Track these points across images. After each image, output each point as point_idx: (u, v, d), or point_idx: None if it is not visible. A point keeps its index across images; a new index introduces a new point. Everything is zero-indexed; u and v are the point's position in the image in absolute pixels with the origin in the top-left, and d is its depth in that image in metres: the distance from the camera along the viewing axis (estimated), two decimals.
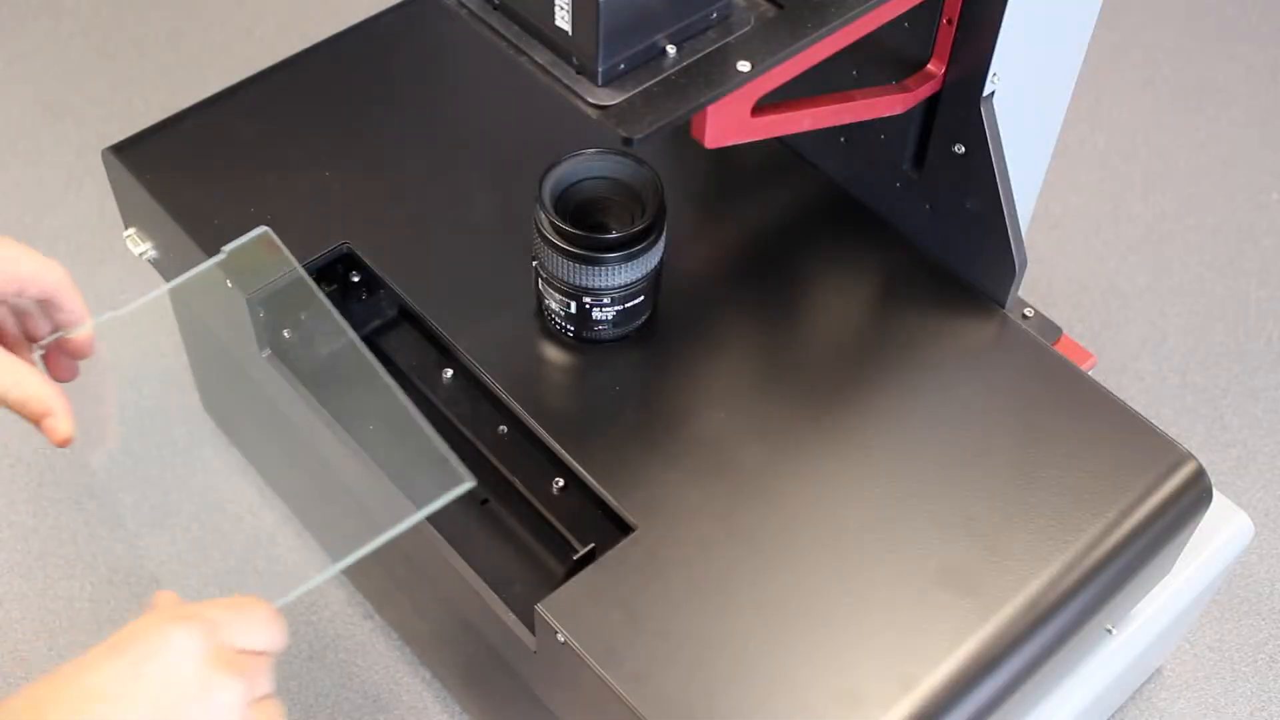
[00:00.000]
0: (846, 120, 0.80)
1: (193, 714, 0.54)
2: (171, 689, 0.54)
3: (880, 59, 0.83)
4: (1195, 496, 0.80)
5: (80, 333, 0.70)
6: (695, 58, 0.66)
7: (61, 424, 0.65)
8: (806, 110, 0.78)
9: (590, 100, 0.64)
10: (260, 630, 0.58)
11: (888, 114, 0.81)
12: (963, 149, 0.82)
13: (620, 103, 0.64)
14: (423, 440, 0.68)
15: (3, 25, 1.47)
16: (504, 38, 0.66)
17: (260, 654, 0.58)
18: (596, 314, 0.81)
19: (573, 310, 0.81)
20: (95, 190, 1.30)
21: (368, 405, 0.82)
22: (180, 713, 0.54)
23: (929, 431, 0.80)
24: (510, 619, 0.75)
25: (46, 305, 0.68)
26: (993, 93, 0.79)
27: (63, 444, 0.65)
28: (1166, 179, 1.38)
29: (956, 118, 0.81)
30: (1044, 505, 0.76)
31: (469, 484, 0.63)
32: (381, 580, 0.99)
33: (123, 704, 0.53)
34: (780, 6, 0.69)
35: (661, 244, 0.80)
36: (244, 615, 0.58)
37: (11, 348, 0.66)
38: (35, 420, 0.65)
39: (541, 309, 0.83)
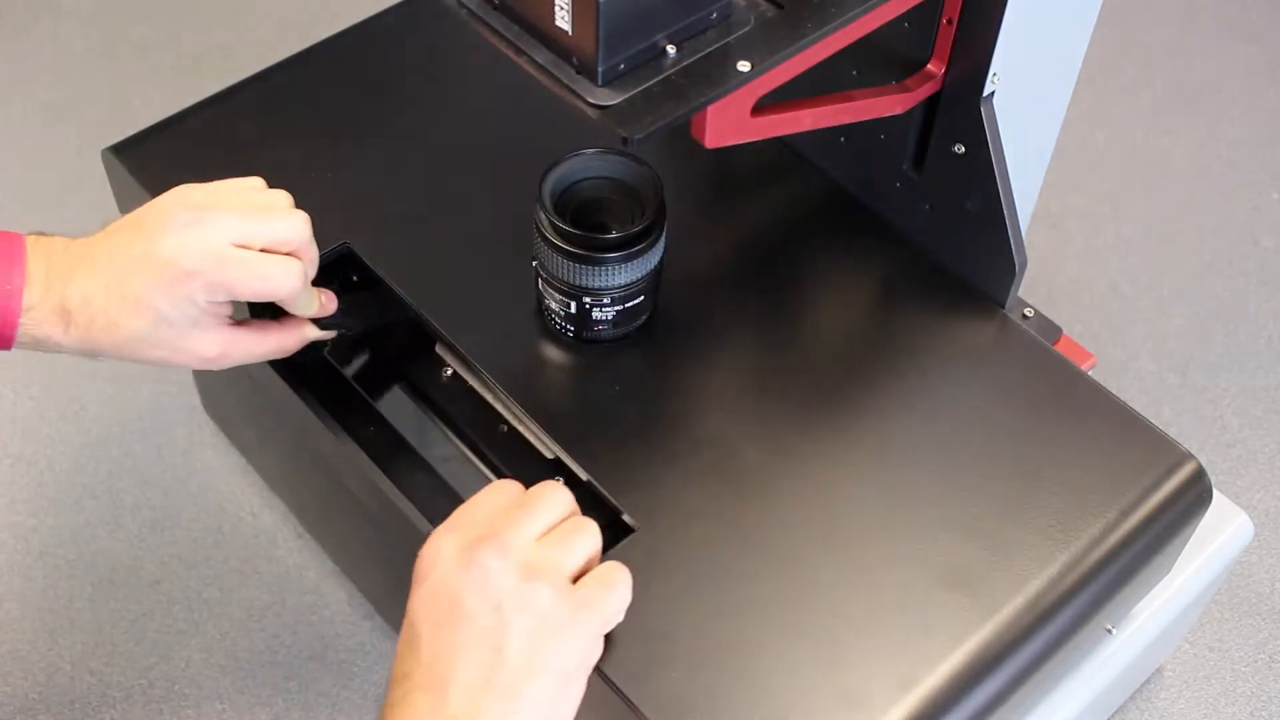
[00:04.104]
0: (846, 120, 0.80)
1: (463, 588, 0.61)
2: (448, 582, 0.62)
3: (880, 59, 0.83)
4: (1195, 496, 0.80)
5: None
6: (695, 58, 0.66)
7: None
8: (806, 110, 0.78)
9: (590, 100, 0.64)
10: (501, 496, 0.67)
11: (888, 114, 0.81)
12: (963, 149, 0.82)
13: (620, 103, 0.64)
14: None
15: (3, 25, 1.47)
16: (504, 38, 0.66)
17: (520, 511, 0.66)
18: (596, 314, 0.81)
19: (573, 310, 0.81)
20: (95, 190, 1.29)
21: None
22: (455, 594, 0.62)
23: (929, 431, 0.80)
24: None
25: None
26: (993, 93, 0.79)
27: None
28: (1166, 179, 1.38)
29: (956, 118, 0.81)
30: (1044, 505, 0.76)
31: None
32: (383, 581, 0.99)
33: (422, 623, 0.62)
34: (780, 6, 0.68)
35: (661, 244, 0.80)
36: (490, 494, 0.66)
37: None
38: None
39: (541, 309, 0.83)
